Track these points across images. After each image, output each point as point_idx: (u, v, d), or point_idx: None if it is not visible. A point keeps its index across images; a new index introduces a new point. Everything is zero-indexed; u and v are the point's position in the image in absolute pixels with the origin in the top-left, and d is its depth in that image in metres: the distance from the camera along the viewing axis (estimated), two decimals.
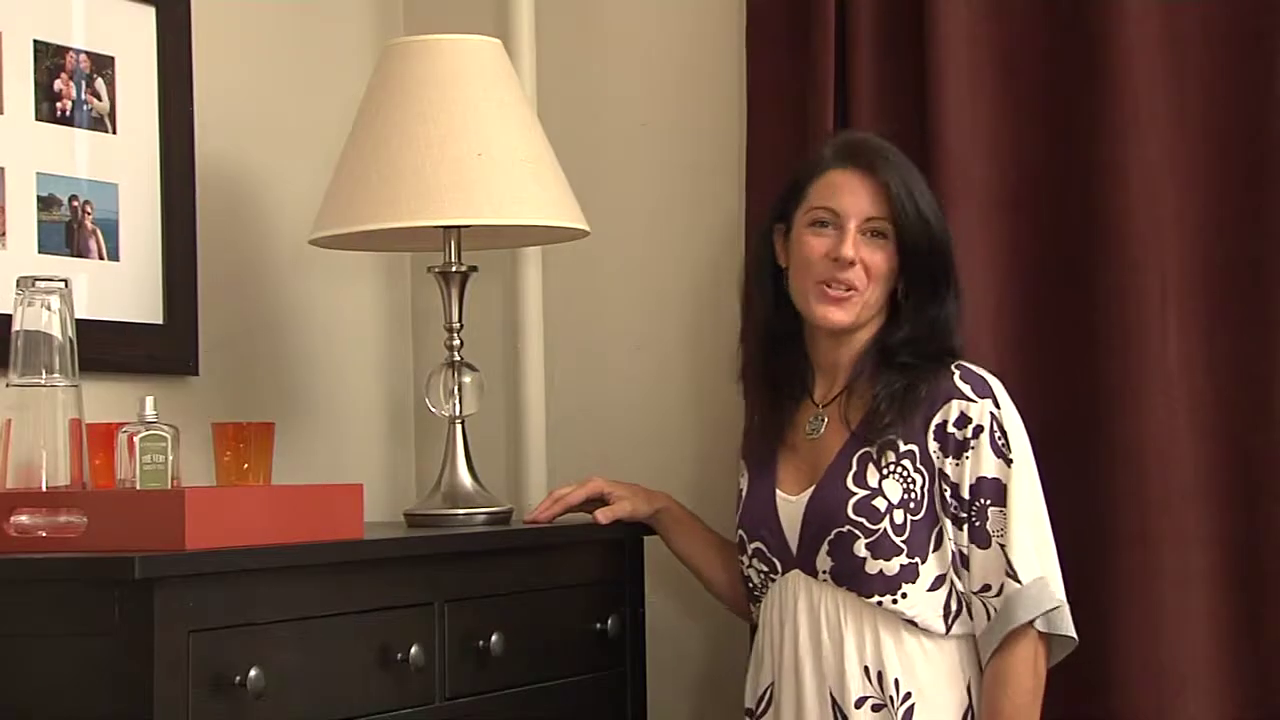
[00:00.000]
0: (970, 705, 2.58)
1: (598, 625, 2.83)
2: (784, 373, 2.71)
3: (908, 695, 2.55)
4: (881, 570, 2.55)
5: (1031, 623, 2.53)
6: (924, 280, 2.62)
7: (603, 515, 2.84)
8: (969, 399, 2.57)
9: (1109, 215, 2.86)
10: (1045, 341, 2.92)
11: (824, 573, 2.58)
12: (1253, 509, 2.83)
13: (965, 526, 2.55)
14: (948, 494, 2.56)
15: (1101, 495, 2.85)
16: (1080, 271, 2.89)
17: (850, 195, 2.62)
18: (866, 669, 2.56)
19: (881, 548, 2.54)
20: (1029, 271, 2.94)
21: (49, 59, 2.78)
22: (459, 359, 2.96)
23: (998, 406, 2.58)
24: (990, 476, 2.55)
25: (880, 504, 2.56)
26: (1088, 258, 2.88)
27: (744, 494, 2.72)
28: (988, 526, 2.54)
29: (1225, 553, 2.84)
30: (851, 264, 2.60)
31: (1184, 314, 2.86)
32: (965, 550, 2.55)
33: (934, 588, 2.55)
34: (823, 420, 2.67)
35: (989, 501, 2.54)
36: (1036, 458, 2.65)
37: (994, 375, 2.63)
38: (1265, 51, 2.83)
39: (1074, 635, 2.57)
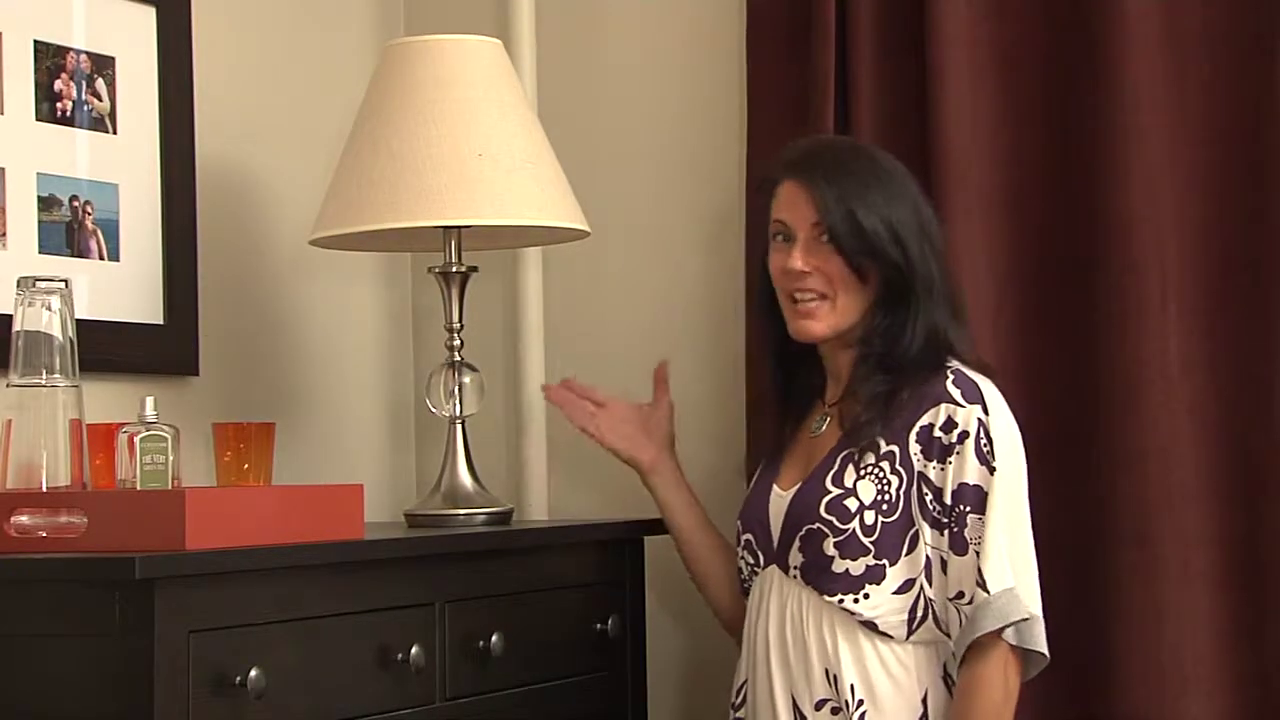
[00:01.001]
0: (925, 715, 2.55)
1: (598, 625, 2.83)
2: (797, 378, 2.71)
3: (861, 701, 2.53)
4: (847, 569, 2.53)
5: (1001, 634, 2.50)
6: (880, 283, 2.59)
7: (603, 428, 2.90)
8: (957, 404, 2.55)
9: (1109, 215, 2.86)
10: (1046, 341, 2.92)
11: (795, 568, 2.58)
12: (1254, 509, 2.83)
13: (945, 532, 2.53)
14: (928, 498, 2.54)
15: (1102, 495, 2.85)
16: (1080, 271, 2.89)
17: (794, 206, 2.60)
18: (826, 671, 2.55)
19: (849, 547, 2.53)
20: (1029, 271, 2.94)
21: (49, 59, 2.78)
22: (459, 359, 2.96)
23: (986, 413, 2.54)
24: (972, 483, 2.52)
25: (851, 504, 2.54)
26: (1088, 258, 2.88)
27: (749, 487, 2.73)
28: (966, 533, 2.51)
29: (1226, 552, 2.84)
30: (803, 273, 2.59)
31: (1184, 314, 2.86)
32: (944, 556, 2.53)
33: (900, 591, 2.53)
34: (826, 419, 2.67)
35: (969, 508, 2.52)
36: (1036, 458, 2.64)
37: (990, 381, 2.60)
38: (1265, 51, 2.83)
39: (1045, 652, 2.54)
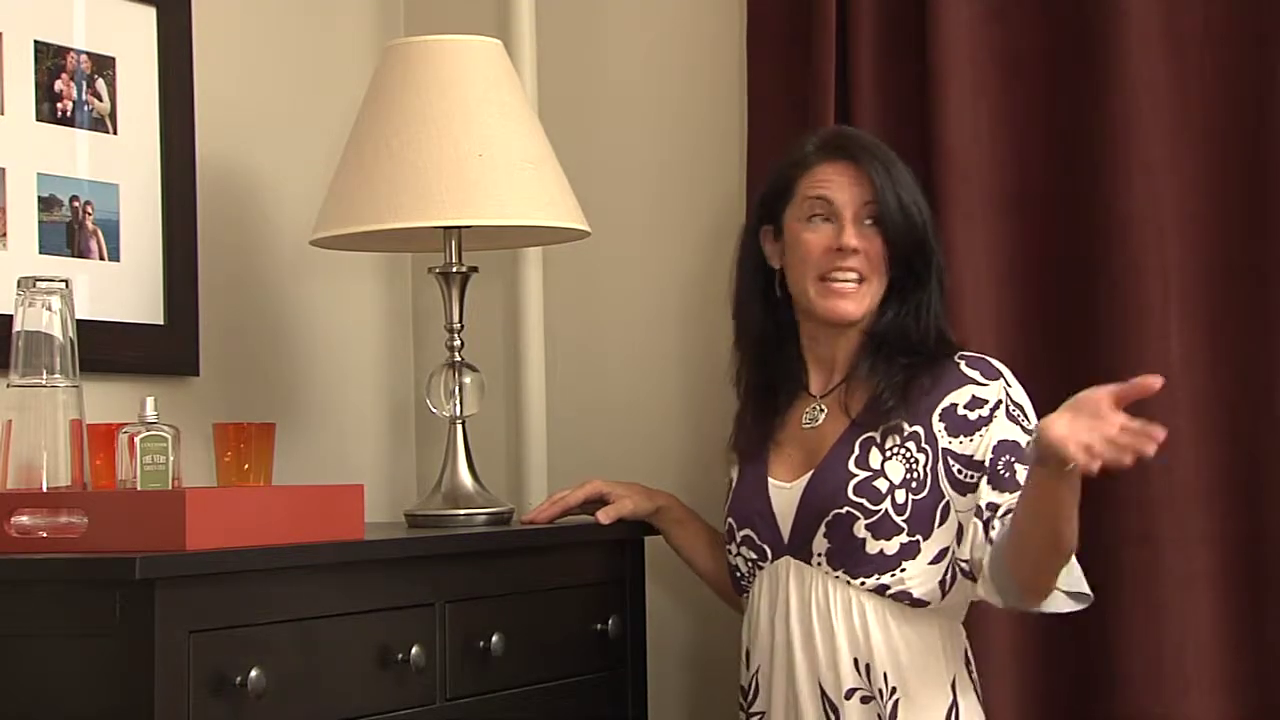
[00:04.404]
0: (955, 701, 2.58)
1: (598, 625, 2.83)
2: (778, 370, 2.71)
3: (894, 689, 2.56)
4: (882, 550, 2.55)
5: None
6: (905, 268, 2.64)
7: (604, 515, 2.84)
8: (980, 383, 2.59)
9: (1110, 216, 2.86)
10: (1047, 342, 2.92)
11: (819, 555, 2.59)
12: (1255, 509, 2.83)
13: (985, 481, 2.53)
14: (955, 468, 2.56)
15: (1104, 495, 2.84)
16: (1082, 272, 2.90)
17: (841, 186, 2.63)
18: (856, 660, 2.57)
19: (882, 528, 2.55)
20: (1030, 272, 2.94)
21: (50, 59, 2.78)
22: (460, 359, 2.96)
23: (1009, 385, 2.60)
24: (1011, 439, 2.55)
25: (881, 485, 2.57)
26: (1089, 258, 2.88)
27: (734, 483, 2.73)
28: (1016, 477, 2.52)
29: (1228, 553, 2.84)
30: (855, 252, 2.61)
31: (1186, 314, 2.86)
32: (981, 504, 2.52)
33: (936, 560, 2.56)
34: (822, 411, 2.68)
35: (1014, 459, 2.54)
36: None
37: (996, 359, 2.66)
38: (1266, 53, 2.83)
39: (1089, 592, 2.53)
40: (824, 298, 2.63)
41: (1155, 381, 2.27)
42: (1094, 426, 2.24)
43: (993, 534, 2.50)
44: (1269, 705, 2.81)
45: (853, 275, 2.62)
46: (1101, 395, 2.27)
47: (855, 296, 2.62)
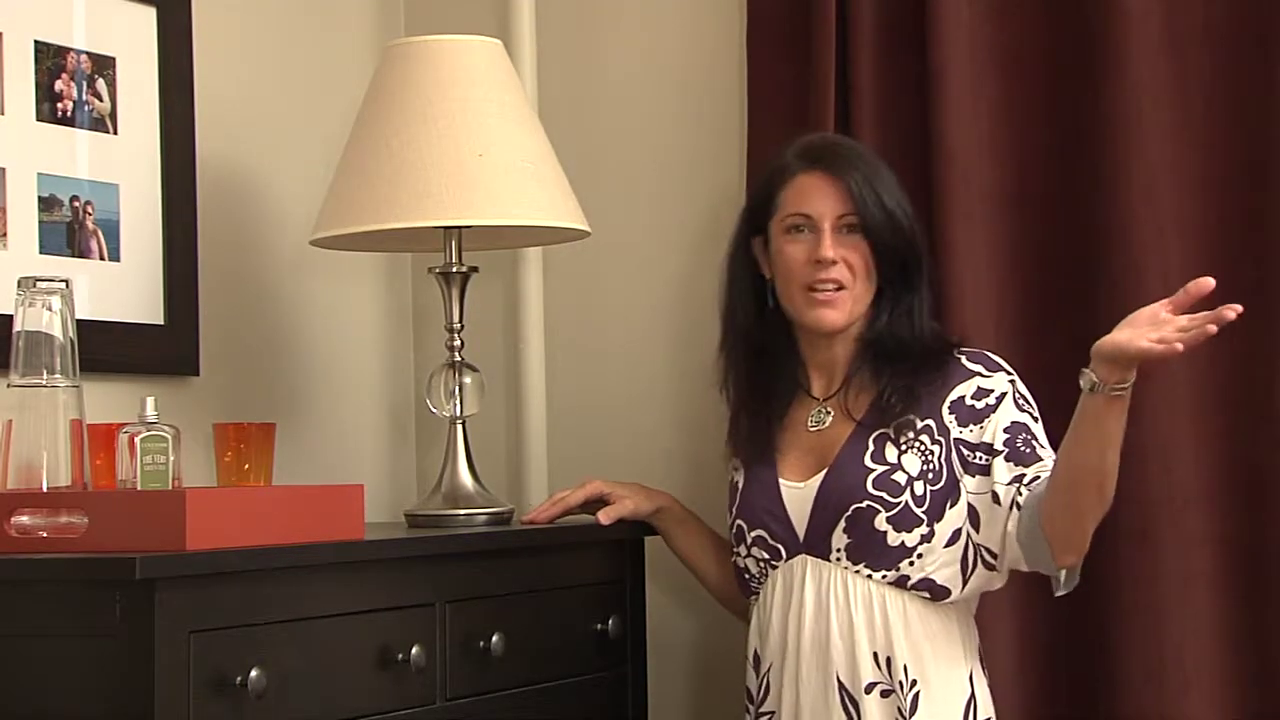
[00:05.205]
0: (973, 694, 2.60)
1: (598, 625, 2.83)
2: (775, 375, 2.72)
3: (914, 682, 2.57)
4: (903, 542, 2.57)
5: None
6: (895, 270, 2.66)
7: (604, 515, 2.84)
8: (984, 374, 2.63)
9: (1110, 216, 2.86)
10: (1046, 341, 2.92)
11: (838, 550, 2.60)
12: (1255, 509, 2.83)
13: (1005, 458, 2.56)
14: (967, 454, 2.58)
15: None
16: (1081, 272, 2.90)
17: (820, 197, 2.65)
18: (876, 654, 2.58)
19: (904, 520, 2.57)
20: (1030, 272, 2.95)
21: (50, 60, 2.78)
22: (460, 359, 2.96)
23: (1013, 379, 2.64)
24: (1022, 422, 2.60)
25: (900, 478, 2.58)
26: (1089, 258, 2.88)
27: (740, 486, 2.73)
28: (1037, 451, 2.57)
29: (1228, 553, 2.84)
30: (833, 263, 2.63)
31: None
32: (1003, 482, 2.55)
33: (951, 543, 2.58)
34: (828, 414, 2.69)
35: (1029, 437, 2.58)
36: None
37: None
38: (1266, 53, 2.83)
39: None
40: (809, 308, 2.66)
41: (1208, 281, 2.32)
42: (1156, 328, 2.31)
43: (1020, 500, 2.53)
44: (1269, 705, 2.81)
45: (832, 285, 2.64)
46: (1156, 306, 2.35)
47: (839, 304, 2.65)
